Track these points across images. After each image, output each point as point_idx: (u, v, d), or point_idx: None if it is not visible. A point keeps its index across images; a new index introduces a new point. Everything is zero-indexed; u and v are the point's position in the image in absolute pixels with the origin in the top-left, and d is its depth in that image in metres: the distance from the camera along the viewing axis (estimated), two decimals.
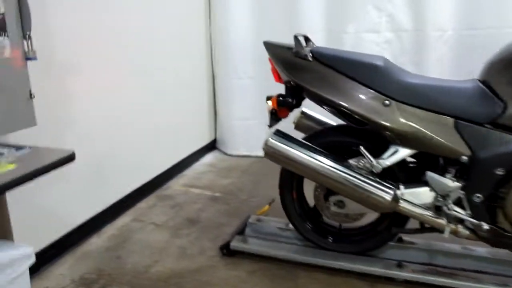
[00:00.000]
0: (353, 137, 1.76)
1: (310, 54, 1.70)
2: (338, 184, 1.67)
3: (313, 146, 1.74)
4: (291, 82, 1.78)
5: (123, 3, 2.42)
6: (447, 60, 2.85)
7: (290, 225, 2.20)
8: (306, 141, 1.81)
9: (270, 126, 1.95)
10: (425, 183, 1.68)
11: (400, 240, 1.99)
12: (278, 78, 1.89)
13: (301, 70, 1.73)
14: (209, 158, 3.62)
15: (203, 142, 3.63)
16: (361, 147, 1.65)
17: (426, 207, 1.67)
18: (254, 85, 3.44)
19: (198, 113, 3.54)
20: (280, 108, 1.80)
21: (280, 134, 1.74)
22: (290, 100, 1.78)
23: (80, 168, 2.01)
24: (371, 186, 1.63)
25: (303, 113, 2.07)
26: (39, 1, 1.67)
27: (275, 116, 1.90)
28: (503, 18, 2.68)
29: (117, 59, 2.39)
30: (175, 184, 3.05)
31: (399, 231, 1.84)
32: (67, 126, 2.07)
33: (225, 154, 3.69)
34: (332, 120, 2.07)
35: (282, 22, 3.19)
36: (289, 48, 1.78)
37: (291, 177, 1.95)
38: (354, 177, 1.64)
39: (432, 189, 1.66)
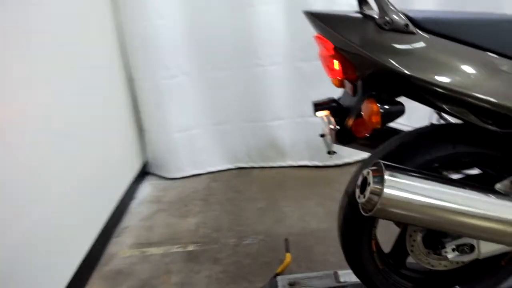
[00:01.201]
0: (488, 147, 1.09)
1: (410, 23, 0.96)
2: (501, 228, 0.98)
3: (443, 177, 1.02)
4: (378, 73, 1.02)
5: None
6: None
7: (342, 278, 1.51)
8: (400, 164, 1.07)
9: (332, 152, 1.19)
10: None
11: None
12: (342, 72, 1.11)
13: (399, 50, 0.98)
14: (146, 190, 2.64)
15: (133, 171, 2.63)
16: None
17: None
18: (193, 82, 2.54)
19: (118, 134, 2.49)
20: (379, 122, 1.02)
21: (394, 171, 0.95)
22: (400, 107, 1.02)
23: None
24: None
25: None
26: None
27: (346, 136, 1.13)
28: None
29: None
30: (121, 248, 2.05)
31: None
32: None
33: (166, 178, 2.75)
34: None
35: None
36: (364, 18, 1.01)
37: (370, 221, 1.21)
38: None
39: None
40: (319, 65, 2.46)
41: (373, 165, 1.01)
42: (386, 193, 0.91)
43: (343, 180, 2.48)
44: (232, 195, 2.48)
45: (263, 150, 2.73)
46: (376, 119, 1.00)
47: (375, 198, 0.92)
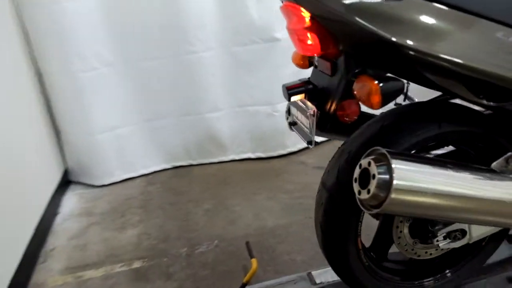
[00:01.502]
0: (473, 124, 1.02)
1: None
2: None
3: (444, 160, 0.91)
4: (365, 44, 0.89)
5: None
6: None
7: (318, 279, 1.40)
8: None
9: (314, 142, 1.03)
10: None
11: None
12: (320, 47, 0.95)
13: (388, 16, 0.85)
14: (71, 202, 2.29)
15: (53, 181, 2.26)
16: None
17: None
18: (118, 74, 2.22)
19: (29, 140, 2.08)
20: (379, 102, 0.88)
21: (400, 158, 0.82)
22: (399, 83, 0.89)
23: None
24: None
25: None
26: None
27: (328, 122, 0.98)
28: None
29: None
30: (50, 275, 1.72)
31: None
32: None
33: (93, 186, 2.41)
34: None
35: None
36: None
37: (356, 216, 1.08)
38: None
39: None
40: (255, 49, 2.35)
41: (369, 154, 0.87)
42: (396, 184, 0.78)
43: (290, 170, 2.41)
44: (173, 198, 2.24)
45: (201, 145, 2.51)
46: (375, 99, 0.87)
47: (384, 192, 0.78)
